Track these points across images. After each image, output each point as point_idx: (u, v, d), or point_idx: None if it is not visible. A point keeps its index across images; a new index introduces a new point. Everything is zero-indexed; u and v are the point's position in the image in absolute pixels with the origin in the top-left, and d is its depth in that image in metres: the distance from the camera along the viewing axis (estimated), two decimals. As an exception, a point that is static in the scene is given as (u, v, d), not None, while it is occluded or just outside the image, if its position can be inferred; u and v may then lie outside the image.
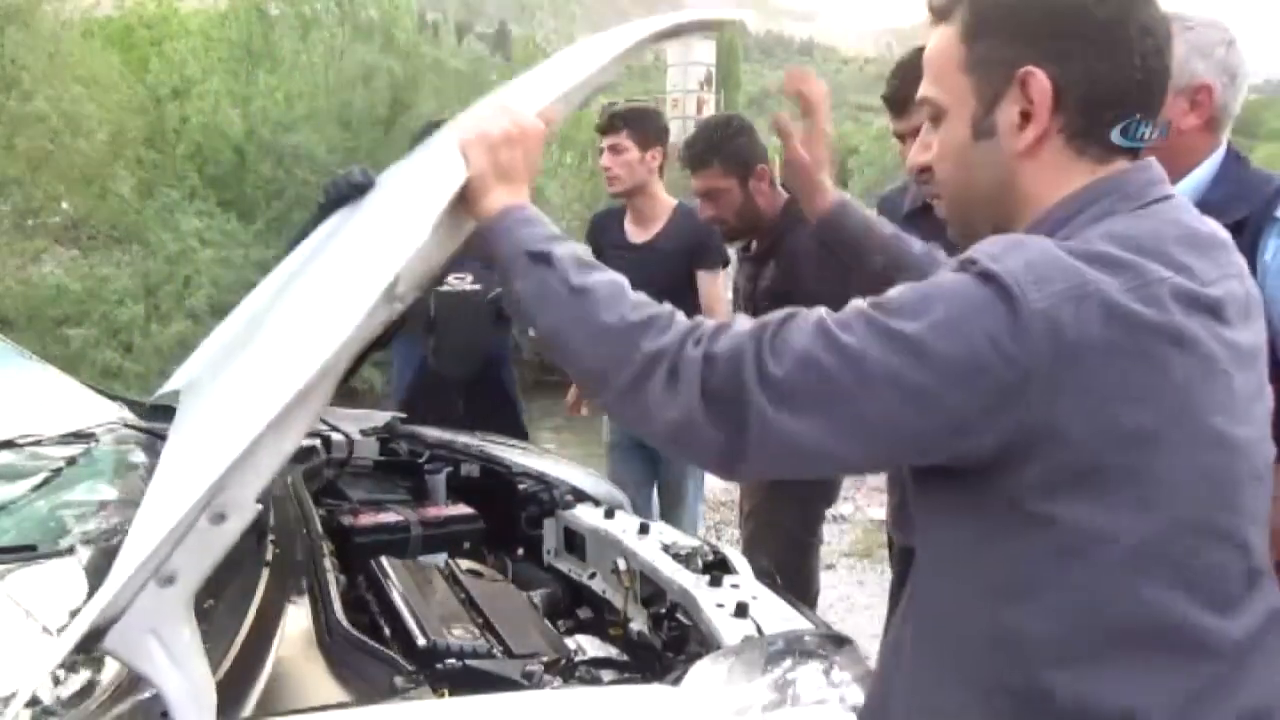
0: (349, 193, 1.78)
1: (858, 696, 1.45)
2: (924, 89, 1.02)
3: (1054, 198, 0.95)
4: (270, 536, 1.76)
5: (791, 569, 2.45)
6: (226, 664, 1.33)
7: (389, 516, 2.16)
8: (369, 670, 1.50)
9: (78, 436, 1.89)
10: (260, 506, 1.14)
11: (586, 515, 2.23)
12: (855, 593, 4.36)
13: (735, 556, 1.99)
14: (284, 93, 8.69)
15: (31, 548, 1.45)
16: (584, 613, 2.08)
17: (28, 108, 6.89)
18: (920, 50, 1.06)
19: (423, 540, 2.13)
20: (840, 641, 1.63)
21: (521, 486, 2.41)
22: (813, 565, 2.76)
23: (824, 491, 2.79)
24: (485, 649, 1.62)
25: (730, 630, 1.63)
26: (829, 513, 3.05)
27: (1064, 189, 0.94)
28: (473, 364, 3.10)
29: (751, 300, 2.68)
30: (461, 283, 3.05)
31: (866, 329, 0.86)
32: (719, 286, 3.19)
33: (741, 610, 1.69)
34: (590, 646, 1.76)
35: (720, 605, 1.71)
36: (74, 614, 1.26)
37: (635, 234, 3.24)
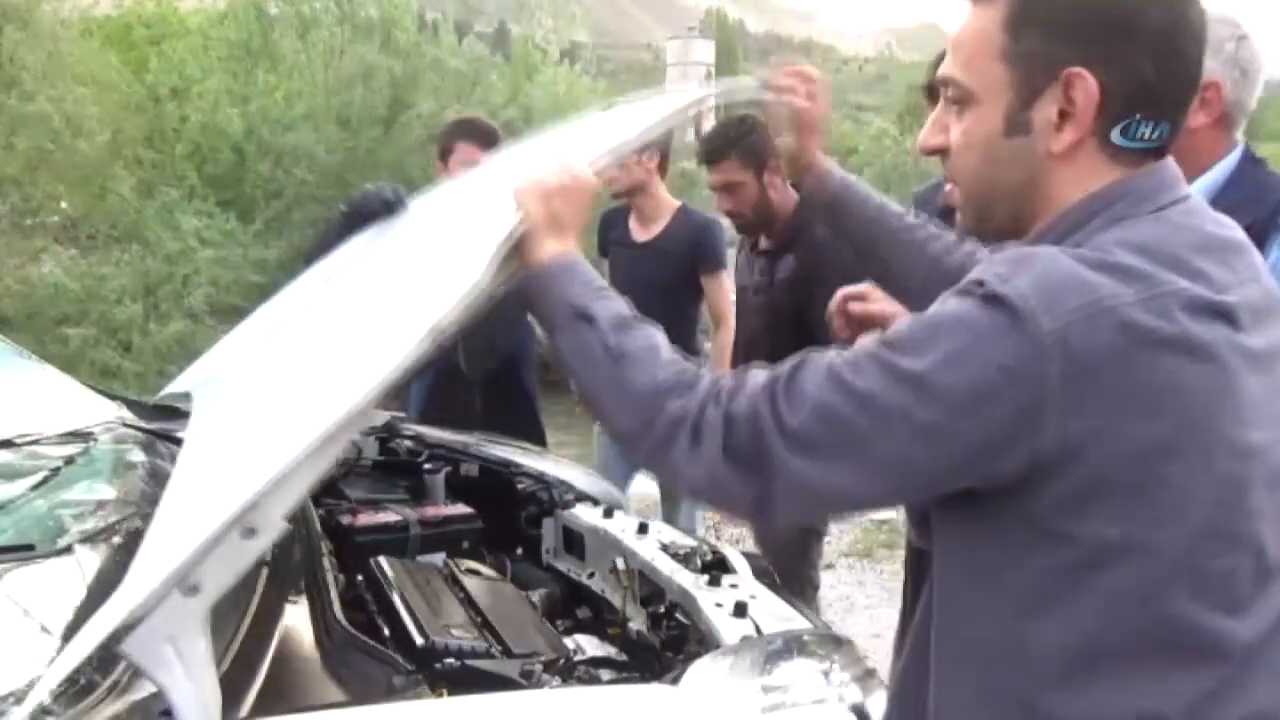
0: (379, 210, 1.78)
1: (856, 696, 1.45)
2: (952, 69, 0.97)
3: (1079, 200, 0.93)
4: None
5: (791, 569, 2.46)
6: (225, 663, 1.33)
7: (388, 516, 2.16)
8: (367, 670, 1.50)
9: (76, 436, 1.89)
10: (289, 526, 1.16)
11: (585, 515, 2.22)
12: (855, 593, 4.36)
13: (734, 556, 1.99)
14: (283, 92, 8.68)
15: (30, 547, 1.45)
16: (583, 612, 2.07)
17: (29, 108, 6.88)
18: None
19: (421, 540, 2.13)
20: (839, 641, 1.63)
21: (520, 486, 2.41)
22: (813, 563, 2.78)
23: None
24: (484, 649, 1.62)
25: (729, 630, 1.63)
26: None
27: (1090, 192, 0.93)
28: (492, 362, 3.07)
29: (768, 293, 2.75)
30: None
31: (875, 369, 0.86)
32: (724, 287, 3.28)
33: (740, 610, 1.69)
34: (589, 646, 1.76)
35: (719, 605, 1.71)
36: (79, 613, 1.27)
37: (639, 232, 3.35)
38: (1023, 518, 0.86)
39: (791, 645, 1.56)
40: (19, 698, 1.10)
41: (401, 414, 2.85)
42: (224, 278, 7.07)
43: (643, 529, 2.08)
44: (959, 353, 0.83)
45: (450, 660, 1.55)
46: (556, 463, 2.62)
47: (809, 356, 0.92)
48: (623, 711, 1.43)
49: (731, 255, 3.26)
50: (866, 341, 0.90)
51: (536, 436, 3.09)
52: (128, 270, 7.23)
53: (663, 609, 1.82)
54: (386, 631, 1.72)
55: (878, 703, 1.44)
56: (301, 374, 1.44)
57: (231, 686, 1.25)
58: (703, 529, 3.75)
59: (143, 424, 2.03)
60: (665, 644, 1.76)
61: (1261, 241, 1.51)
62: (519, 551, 2.34)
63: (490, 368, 2.98)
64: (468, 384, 3.01)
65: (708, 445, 0.91)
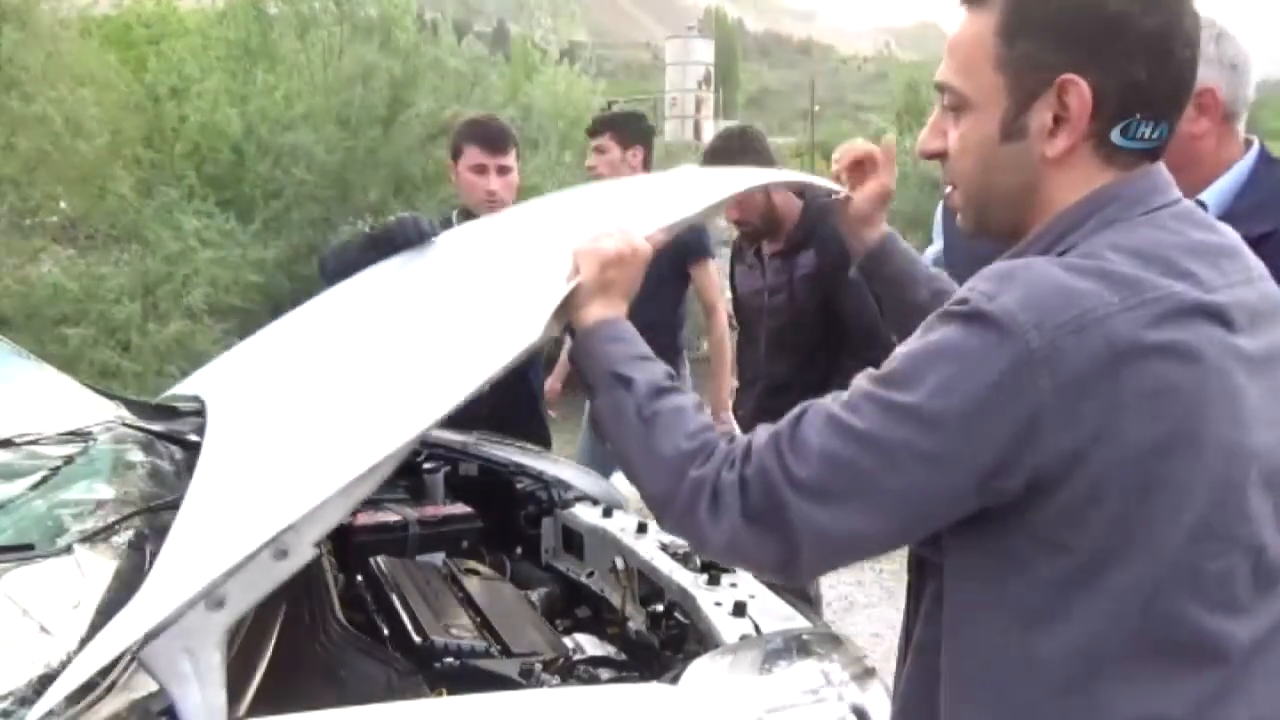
0: (412, 240, 1.79)
1: (855, 695, 1.46)
2: (948, 75, 0.98)
3: (1074, 203, 0.94)
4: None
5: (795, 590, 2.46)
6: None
7: (387, 516, 2.16)
8: (367, 669, 1.50)
9: (75, 435, 1.89)
10: (318, 551, 1.18)
11: (585, 514, 2.23)
12: (855, 593, 4.36)
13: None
14: (282, 92, 8.66)
15: (29, 546, 1.45)
16: (582, 611, 2.08)
17: (28, 108, 6.86)
18: None
19: (421, 539, 2.13)
20: (838, 640, 1.63)
21: (520, 485, 2.41)
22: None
23: None
24: (483, 648, 1.62)
25: (728, 629, 1.63)
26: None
27: (1084, 195, 0.93)
28: None
29: (789, 290, 2.78)
30: None
31: (873, 409, 0.88)
32: (712, 275, 3.46)
33: (739, 609, 1.69)
34: (588, 645, 1.76)
35: (718, 604, 1.72)
36: (98, 616, 1.27)
37: None
38: (1025, 530, 0.87)
39: (791, 644, 1.56)
40: (19, 698, 1.10)
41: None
42: (223, 277, 7.05)
43: (642, 528, 2.09)
44: (952, 378, 0.84)
45: (449, 659, 1.56)
46: (555, 462, 2.63)
47: (808, 406, 0.93)
48: (622, 711, 1.44)
49: (724, 263, 3.30)
50: (861, 381, 0.91)
51: (541, 437, 3.11)
52: (127, 270, 7.21)
53: (662, 608, 1.83)
54: (385, 631, 1.72)
55: (877, 701, 1.45)
56: (341, 400, 1.48)
57: (230, 686, 1.26)
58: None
59: (142, 424, 2.03)
60: (665, 643, 1.77)
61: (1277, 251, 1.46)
62: (518, 551, 2.34)
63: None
64: None
65: (727, 509, 0.93)
